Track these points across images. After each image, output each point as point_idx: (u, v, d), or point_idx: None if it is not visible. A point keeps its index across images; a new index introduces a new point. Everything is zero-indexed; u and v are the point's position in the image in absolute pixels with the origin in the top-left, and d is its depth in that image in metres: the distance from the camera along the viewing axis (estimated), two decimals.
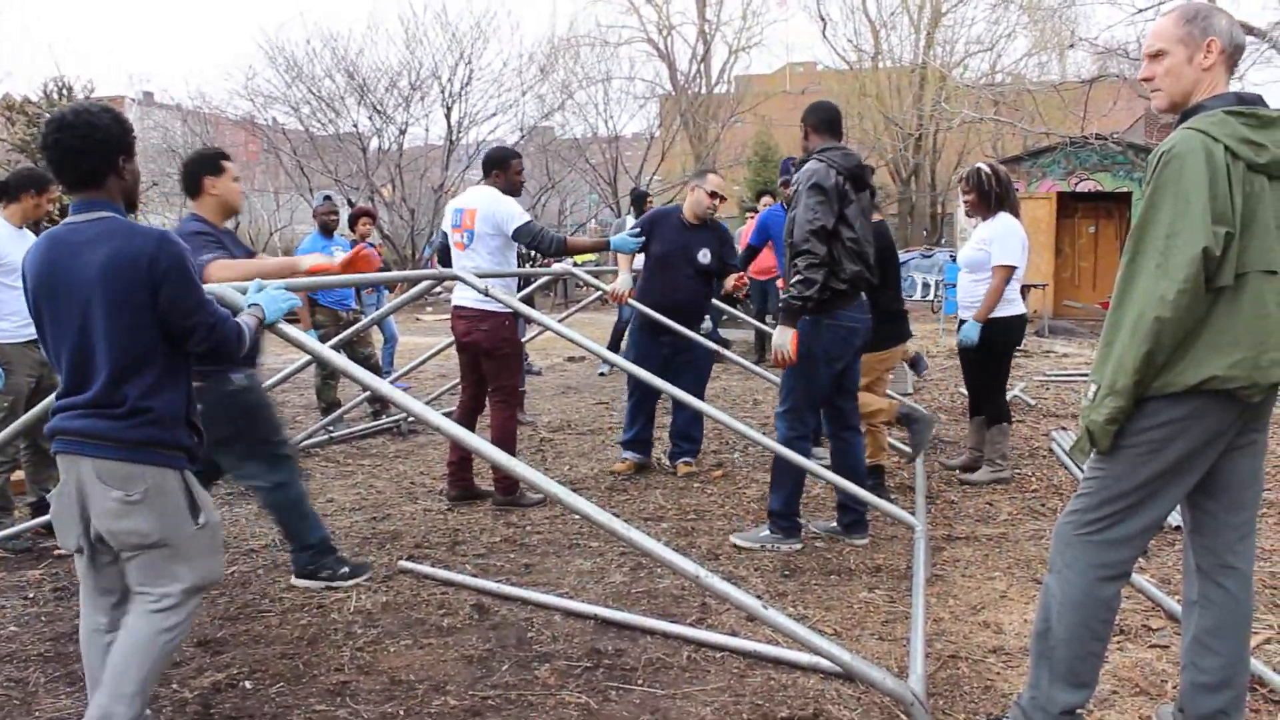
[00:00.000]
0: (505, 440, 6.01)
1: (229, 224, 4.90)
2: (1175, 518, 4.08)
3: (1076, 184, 17.87)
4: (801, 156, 5.27)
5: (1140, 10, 13.39)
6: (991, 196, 6.39)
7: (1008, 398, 9.51)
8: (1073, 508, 2.98)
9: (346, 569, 4.81)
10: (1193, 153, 2.67)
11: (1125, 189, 17.59)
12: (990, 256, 6.32)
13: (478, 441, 3.56)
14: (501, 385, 6.14)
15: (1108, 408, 2.75)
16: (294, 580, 4.83)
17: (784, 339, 4.99)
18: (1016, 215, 6.44)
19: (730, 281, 6.47)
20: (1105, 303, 14.31)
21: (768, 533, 5.30)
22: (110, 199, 3.01)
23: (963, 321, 6.50)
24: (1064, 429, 8.06)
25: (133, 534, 2.94)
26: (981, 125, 26.28)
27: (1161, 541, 5.14)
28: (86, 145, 2.94)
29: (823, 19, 36.36)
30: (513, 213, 6.01)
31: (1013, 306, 6.43)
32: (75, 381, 2.98)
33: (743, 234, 11.16)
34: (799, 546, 5.25)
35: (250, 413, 4.54)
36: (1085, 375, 11.08)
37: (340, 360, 3.69)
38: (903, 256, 21.75)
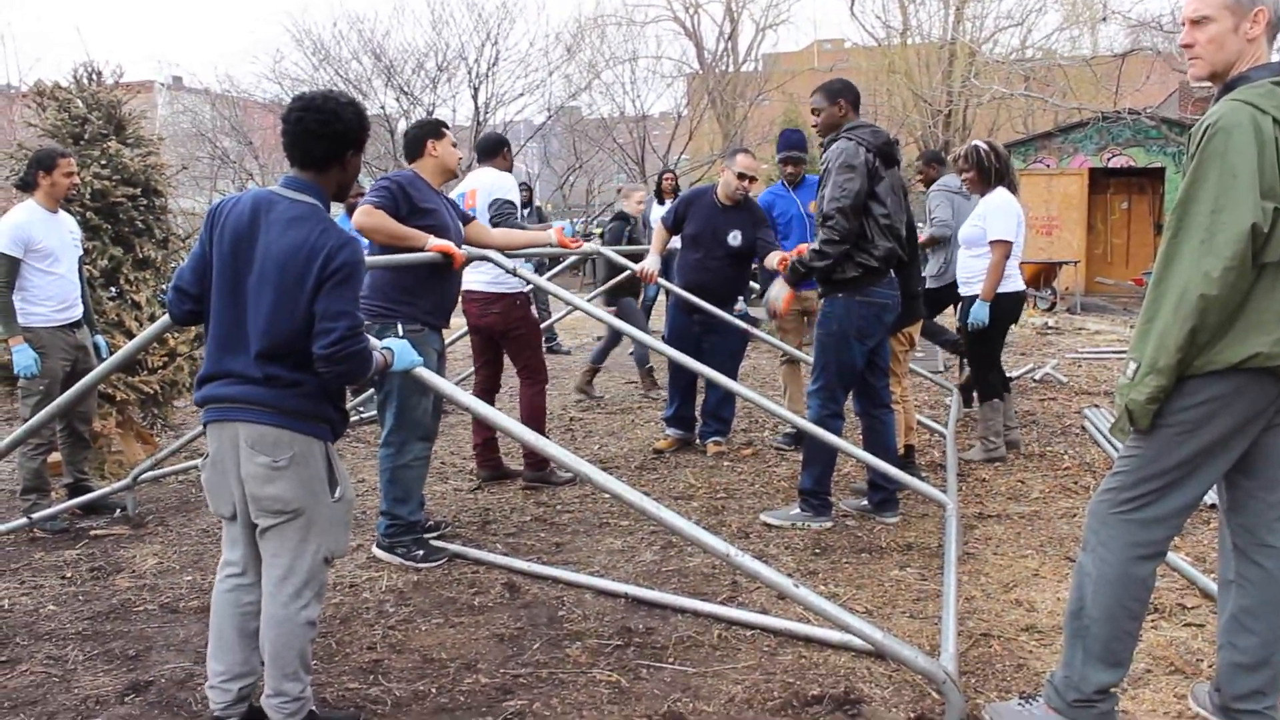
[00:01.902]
0: (535, 418, 6.03)
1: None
2: (1211, 496, 4.04)
3: (1109, 159, 17.67)
4: (828, 135, 5.20)
5: None
6: (991, 172, 6.34)
7: (1039, 375, 9.49)
8: (1108, 485, 2.94)
9: (421, 552, 4.87)
10: (1240, 125, 2.61)
11: (1158, 164, 17.38)
12: (985, 232, 6.27)
13: (507, 421, 3.56)
14: (526, 364, 6.14)
15: (1149, 386, 2.71)
16: (374, 550, 4.94)
17: (779, 292, 5.20)
18: (1015, 192, 6.39)
19: (774, 260, 6.38)
20: (1138, 279, 14.17)
21: (798, 511, 5.29)
22: (323, 187, 3.12)
23: (967, 301, 6.44)
24: (1096, 406, 7.99)
25: (275, 500, 3.00)
26: (1012, 101, 26.03)
27: (1196, 520, 5.09)
28: (324, 131, 3.06)
29: None
30: (506, 188, 6.07)
31: (1009, 283, 6.37)
32: (227, 348, 3.04)
33: None
34: (830, 525, 5.24)
35: (423, 397, 4.83)
36: (1118, 352, 10.99)
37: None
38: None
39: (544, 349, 7.10)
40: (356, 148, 3.16)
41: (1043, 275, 16.07)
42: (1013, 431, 6.72)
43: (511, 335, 6.06)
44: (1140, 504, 2.86)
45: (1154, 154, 17.40)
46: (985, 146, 6.41)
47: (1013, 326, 6.77)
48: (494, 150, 6.35)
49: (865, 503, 5.45)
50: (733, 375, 6.53)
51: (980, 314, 6.29)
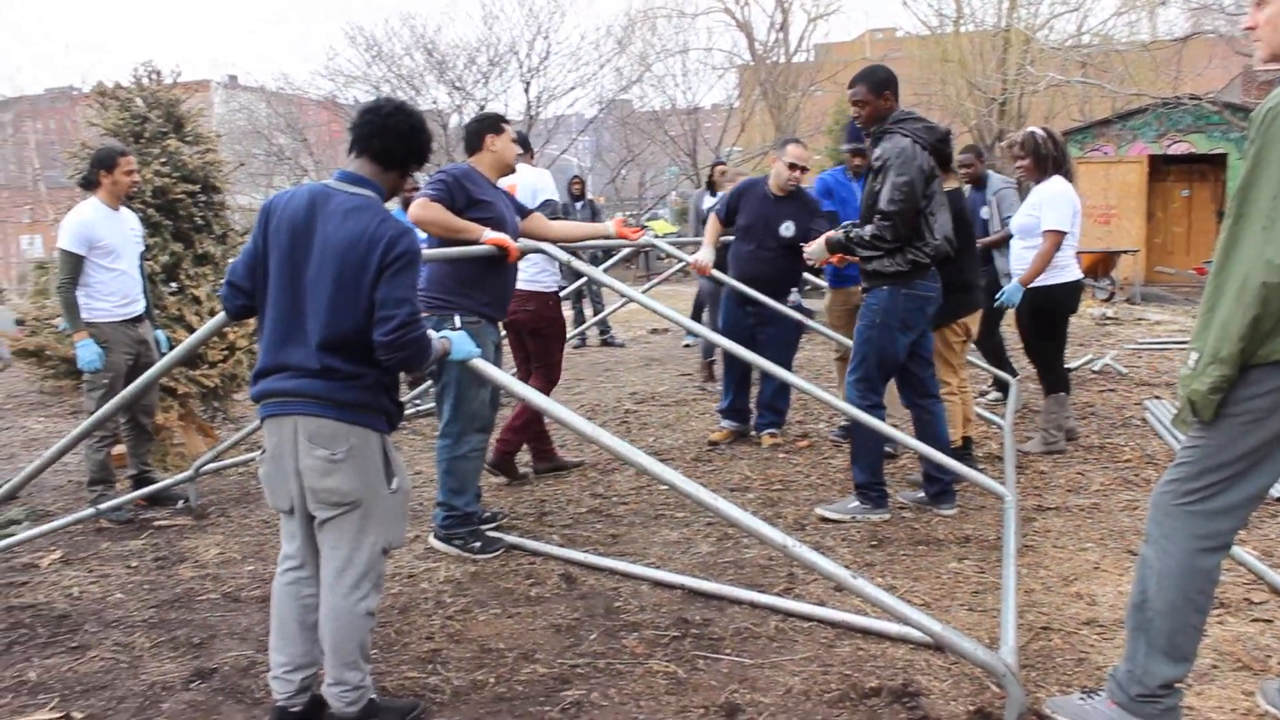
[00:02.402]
0: (533, 413, 6.12)
1: None
2: (1279, 489, 3.97)
3: (1169, 146, 17.37)
4: (876, 128, 5.13)
5: None
6: (1048, 160, 6.22)
7: (1098, 366, 9.36)
8: (1171, 477, 2.90)
9: (478, 544, 4.91)
10: None
11: (1221, 150, 17.06)
12: (1040, 222, 6.17)
13: (564, 412, 3.57)
14: (544, 362, 6.19)
15: (1211, 376, 2.66)
16: (431, 541, 4.99)
17: (818, 252, 5.38)
18: (1071, 180, 6.27)
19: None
20: (1200, 268, 13.95)
21: (856, 504, 5.27)
22: (382, 185, 3.18)
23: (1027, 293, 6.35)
24: (1157, 398, 7.87)
25: (334, 493, 3.04)
26: (1068, 88, 25.63)
27: (1264, 513, 4.99)
28: (409, 136, 3.19)
29: None
30: (550, 188, 6.22)
31: (1065, 273, 6.26)
32: (285, 341, 3.08)
33: None
34: (887, 517, 5.21)
35: (481, 389, 4.91)
36: (1178, 342, 10.81)
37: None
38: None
39: (600, 341, 7.09)
40: (418, 164, 3.24)
41: (1101, 265, 15.85)
42: (1070, 420, 6.64)
43: (540, 333, 6.11)
44: (1204, 496, 2.81)
45: (1216, 140, 17.07)
46: (1043, 133, 6.30)
47: (1070, 317, 6.67)
48: (524, 150, 6.44)
49: (922, 495, 5.42)
50: (787, 366, 6.50)
51: (1012, 296, 6.21)
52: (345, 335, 3.00)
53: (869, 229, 5.03)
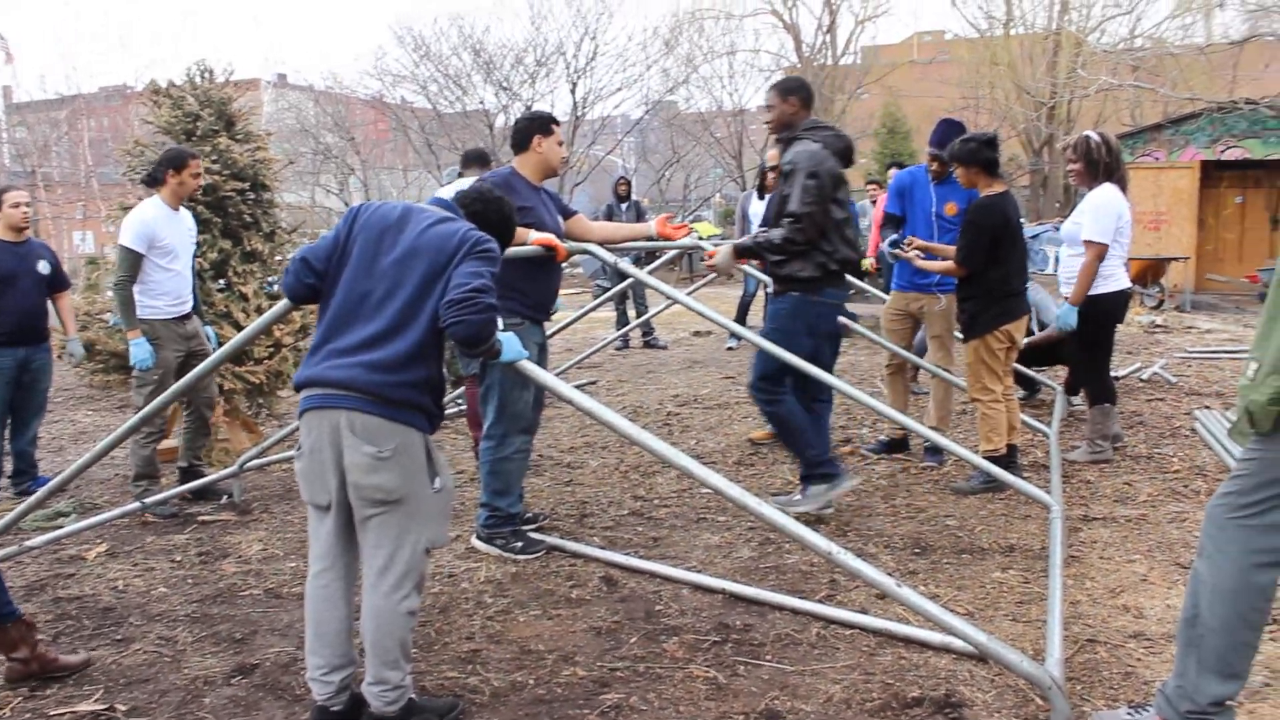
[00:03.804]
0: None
1: None
2: None
3: (1222, 151, 17.09)
4: (785, 133, 5.29)
5: None
6: (1100, 166, 6.09)
7: (1146, 375, 9.22)
8: (1226, 490, 2.84)
9: (520, 544, 4.92)
10: None
11: (1277, 156, 16.75)
12: (1082, 230, 6.07)
13: (609, 414, 3.56)
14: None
15: (1270, 387, 2.60)
16: (473, 541, 5.01)
17: (724, 259, 5.31)
18: (1124, 188, 6.12)
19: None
20: (1252, 275, 13.66)
21: (815, 488, 5.29)
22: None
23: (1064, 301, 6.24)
24: (1207, 408, 7.74)
25: (379, 490, 3.05)
26: (1119, 92, 25.30)
27: None
28: (488, 217, 3.44)
29: None
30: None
31: (1111, 282, 6.12)
32: (345, 325, 3.13)
33: (875, 207, 10.78)
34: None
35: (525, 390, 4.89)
36: (1230, 352, 10.63)
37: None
38: (1035, 229, 21.13)
39: (644, 343, 7.05)
40: (495, 237, 3.30)
41: (1150, 272, 15.62)
42: (1114, 427, 6.53)
43: None
44: (1260, 510, 2.75)
45: (1272, 145, 16.76)
46: (1097, 138, 6.18)
47: (1118, 325, 6.56)
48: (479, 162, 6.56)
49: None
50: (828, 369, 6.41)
51: (1068, 318, 6.10)
52: (410, 325, 3.06)
53: (778, 232, 5.11)
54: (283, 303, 3.82)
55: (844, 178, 5.24)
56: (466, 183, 6.25)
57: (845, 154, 5.22)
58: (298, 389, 3.19)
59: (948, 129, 6.35)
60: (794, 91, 5.30)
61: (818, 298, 5.19)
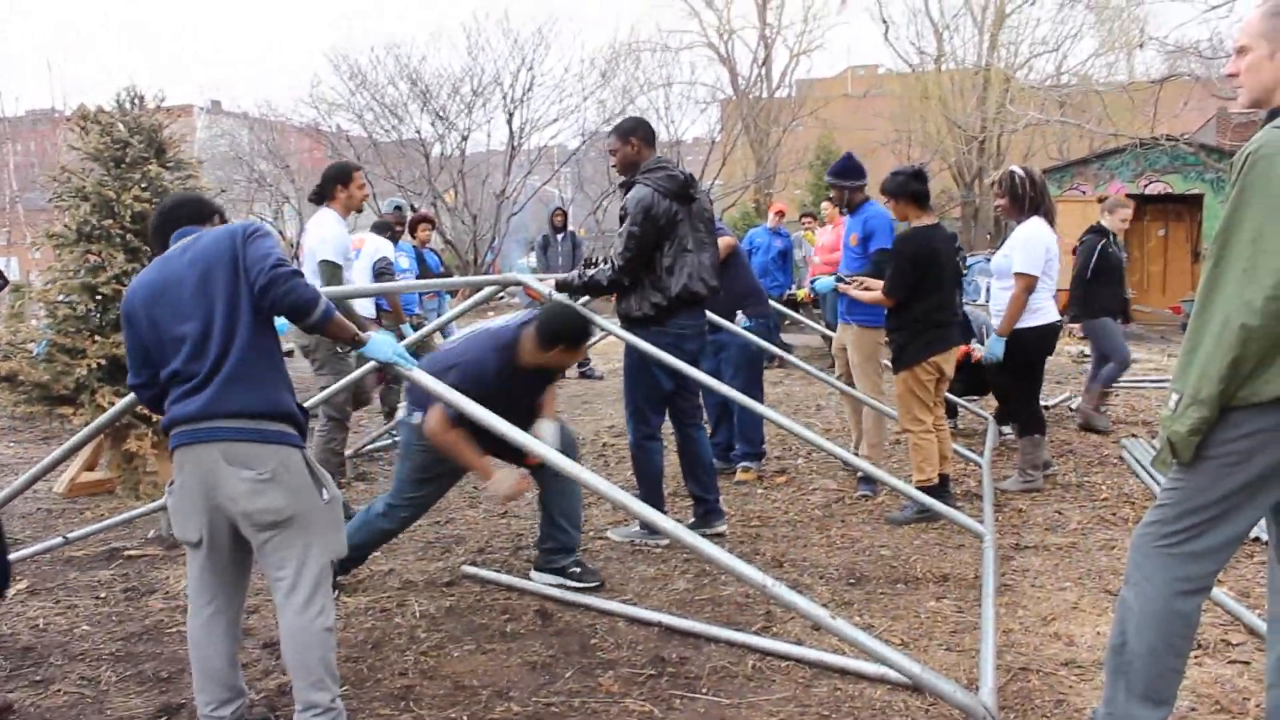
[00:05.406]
0: None
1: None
2: (1258, 529, 3.96)
3: (1146, 186, 17.52)
4: (629, 175, 5.33)
5: (1212, 7, 13.17)
6: (1025, 200, 6.19)
7: (1074, 405, 9.37)
8: (1151, 519, 2.89)
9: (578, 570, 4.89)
10: None
11: (1197, 191, 17.21)
12: (1012, 263, 6.18)
13: (540, 447, 3.55)
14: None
15: (1191, 418, 2.66)
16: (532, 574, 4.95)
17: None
18: (1051, 221, 6.24)
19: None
20: (1176, 307, 13.93)
21: (635, 529, 5.54)
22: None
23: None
24: (1134, 436, 7.89)
25: (267, 511, 3.02)
26: (1047, 127, 25.90)
27: (1241, 553, 4.99)
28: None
29: (885, 22, 35.96)
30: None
31: (1041, 315, 6.22)
32: (184, 368, 3.06)
33: (826, 237, 10.63)
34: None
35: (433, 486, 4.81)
36: (1154, 381, 10.86)
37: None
38: (968, 260, 21.44)
39: (579, 373, 7.03)
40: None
41: None
42: (1045, 456, 6.62)
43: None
44: (1184, 538, 2.80)
45: (1192, 180, 17.23)
46: (1021, 173, 6.30)
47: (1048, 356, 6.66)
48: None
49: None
50: (752, 393, 6.39)
51: (995, 349, 6.21)
52: (237, 330, 3.03)
53: (606, 273, 5.26)
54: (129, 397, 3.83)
55: (697, 212, 5.30)
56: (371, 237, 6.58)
57: (680, 193, 5.22)
58: (165, 432, 3.14)
59: (847, 162, 6.62)
60: (632, 132, 5.35)
61: (659, 329, 5.24)
